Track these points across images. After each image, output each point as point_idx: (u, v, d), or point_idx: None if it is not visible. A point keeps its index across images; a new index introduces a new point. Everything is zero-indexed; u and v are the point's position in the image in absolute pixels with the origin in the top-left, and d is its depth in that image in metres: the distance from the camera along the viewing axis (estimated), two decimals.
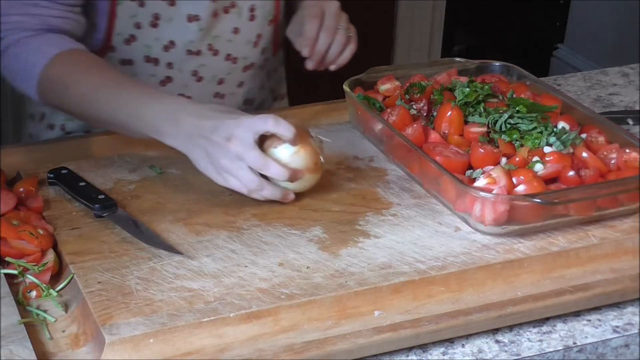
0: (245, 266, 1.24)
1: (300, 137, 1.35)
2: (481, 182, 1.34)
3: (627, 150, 1.44)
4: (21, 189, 1.37)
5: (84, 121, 1.56)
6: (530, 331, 1.23)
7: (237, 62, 1.64)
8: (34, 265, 1.23)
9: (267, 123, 1.30)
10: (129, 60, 1.59)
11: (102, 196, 1.35)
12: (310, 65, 1.58)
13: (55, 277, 1.24)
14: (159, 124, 1.34)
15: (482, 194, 1.30)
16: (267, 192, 1.34)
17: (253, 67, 1.67)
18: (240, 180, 1.32)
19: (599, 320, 1.26)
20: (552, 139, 1.43)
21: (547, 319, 1.25)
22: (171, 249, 1.26)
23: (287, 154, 1.34)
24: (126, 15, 1.54)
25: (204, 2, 1.55)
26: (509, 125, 1.47)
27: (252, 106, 1.74)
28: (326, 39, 1.56)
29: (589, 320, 1.26)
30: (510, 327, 1.23)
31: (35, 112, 1.73)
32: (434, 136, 1.48)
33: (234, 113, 1.34)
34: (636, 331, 1.25)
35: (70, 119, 1.66)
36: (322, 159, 1.38)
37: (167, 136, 1.35)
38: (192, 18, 1.56)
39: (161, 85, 1.61)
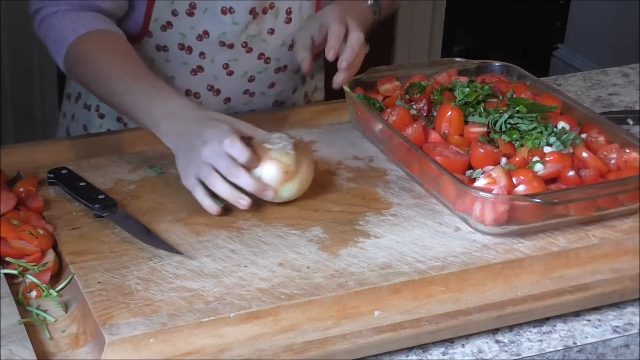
0: (245, 266, 1.24)
1: (261, 153, 1.35)
2: (481, 182, 1.34)
3: (627, 150, 1.44)
4: (21, 189, 1.37)
5: (100, 99, 1.60)
6: (530, 331, 1.23)
7: (269, 63, 1.65)
8: (34, 265, 1.23)
9: (223, 144, 1.30)
10: (164, 46, 1.61)
11: (102, 196, 1.35)
12: (331, 55, 1.55)
13: (55, 277, 1.24)
14: (159, 121, 1.37)
15: (482, 194, 1.30)
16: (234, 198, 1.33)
17: (286, 69, 1.68)
18: (211, 185, 1.31)
19: (599, 320, 1.26)
20: (552, 139, 1.43)
21: (547, 319, 1.25)
22: (171, 249, 1.26)
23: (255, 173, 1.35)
24: (164, 1, 1.57)
25: None
26: (509, 125, 1.47)
27: (282, 108, 1.74)
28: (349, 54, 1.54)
29: (589, 320, 1.26)
30: (510, 327, 1.23)
31: (72, 92, 1.76)
32: (434, 136, 1.48)
33: (222, 123, 1.34)
34: (636, 331, 1.25)
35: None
36: (291, 165, 1.35)
37: (163, 134, 1.38)
38: (227, 10, 1.58)
39: (192, 74, 1.63)
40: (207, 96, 1.65)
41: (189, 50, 1.61)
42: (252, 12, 1.59)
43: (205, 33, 1.59)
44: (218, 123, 1.34)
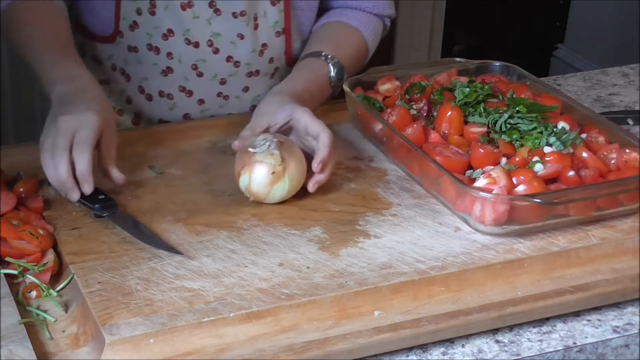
0: (245, 266, 1.24)
1: (246, 158, 1.36)
2: (481, 182, 1.34)
3: (627, 150, 1.44)
4: (21, 189, 1.37)
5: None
6: (530, 331, 1.23)
7: (239, 66, 1.65)
8: (34, 265, 1.23)
9: (76, 138, 1.32)
10: (134, 47, 1.62)
11: (102, 196, 1.35)
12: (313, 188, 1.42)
13: (55, 277, 1.24)
14: (54, 86, 1.40)
15: (482, 194, 1.30)
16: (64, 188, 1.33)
17: (259, 74, 1.68)
18: (56, 165, 1.32)
19: (599, 320, 1.26)
20: (552, 139, 1.43)
21: (547, 319, 1.25)
22: (171, 249, 1.26)
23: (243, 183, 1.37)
24: (129, 0, 1.58)
25: None
26: (509, 125, 1.47)
27: None
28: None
29: (589, 320, 1.26)
30: (510, 327, 1.23)
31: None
32: (434, 136, 1.48)
33: (91, 111, 1.34)
34: (636, 331, 1.25)
35: None
36: (277, 164, 1.35)
37: (52, 99, 1.40)
38: (186, 5, 1.58)
39: (163, 75, 1.64)
40: (180, 97, 1.65)
41: (157, 50, 1.61)
42: (212, 5, 1.59)
43: (170, 31, 1.60)
44: (86, 106, 1.34)
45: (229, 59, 1.63)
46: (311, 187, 1.40)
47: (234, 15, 1.60)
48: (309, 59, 1.61)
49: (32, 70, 1.48)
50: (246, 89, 1.68)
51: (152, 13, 1.58)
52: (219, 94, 1.67)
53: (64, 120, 1.32)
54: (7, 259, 1.24)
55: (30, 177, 1.41)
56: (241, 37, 1.62)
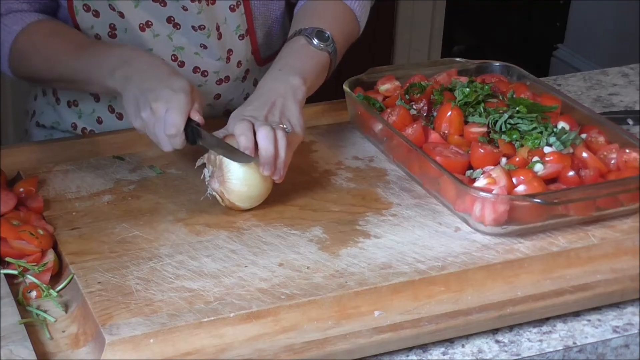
0: (245, 266, 1.24)
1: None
2: (481, 182, 1.34)
3: (627, 150, 1.44)
4: (21, 189, 1.37)
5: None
6: (530, 331, 1.23)
7: (207, 76, 1.63)
8: (34, 266, 1.23)
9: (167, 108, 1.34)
10: None
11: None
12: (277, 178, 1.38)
13: (55, 277, 1.24)
14: (114, 67, 1.41)
15: (482, 194, 1.30)
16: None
17: (228, 80, 1.66)
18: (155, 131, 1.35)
19: (599, 320, 1.26)
20: (552, 139, 1.43)
21: (547, 319, 1.25)
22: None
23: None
24: (86, 26, 1.57)
25: (154, 9, 1.55)
26: (509, 126, 1.47)
27: None
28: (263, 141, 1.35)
29: (589, 320, 1.26)
30: (510, 327, 1.23)
31: (29, 109, 1.77)
32: (434, 136, 1.48)
33: (176, 81, 1.36)
34: (636, 331, 1.25)
35: (57, 119, 1.70)
36: (217, 196, 1.35)
37: (117, 80, 1.41)
38: (144, 26, 1.57)
39: None
40: None
41: None
42: (170, 20, 1.57)
43: None
44: (170, 80, 1.36)
45: (195, 70, 1.62)
46: (276, 179, 1.36)
47: (194, 28, 1.58)
48: (294, 39, 1.55)
49: (70, 79, 1.49)
50: (218, 97, 1.66)
51: (113, 36, 1.57)
52: None
53: (160, 91, 1.34)
54: (7, 259, 1.24)
55: (30, 177, 1.41)
56: (204, 47, 1.60)
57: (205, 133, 1.35)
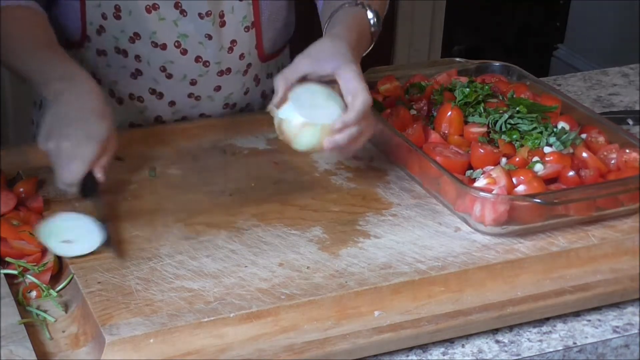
0: (245, 266, 1.24)
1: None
2: (481, 182, 1.34)
3: (627, 150, 1.44)
4: (21, 189, 1.37)
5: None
6: (530, 331, 1.23)
7: (209, 66, 1.63)
8: (34, 266, 1.23)
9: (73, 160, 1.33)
10: (102, 50, 1.61)
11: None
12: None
13: (55, 277, 1.24)
14: (53, 78, 1.39)
15: (482, 194, 1.30)
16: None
17: (230, 72, 1.66)
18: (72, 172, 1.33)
19: (599, 320, 1.26)
20: (552, 139, 1.43)
21: (547, 319, 1.25)
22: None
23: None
24: (93, 4, 1.57)
25: None
26: (509, 126, 1.47)
27: (235, 110, 1.72)
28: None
29: (589, 320, 1.26)
30: (510, 327, 1.23)
31: (36, 100, 1.76)
32: (434, 136, 1.48)
33: (97, 127, 1.35)
34: (636, 331, 1.25)
35: None
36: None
37: (49, 91, 1.39)
38: (150, 8, 1.56)
39: (132, 78, 1.63)
40: (150, 100, 1.64)
41: (125, 53, 1.60)
42: (177, 6, 1.57)
43: (136, 35, 1.58)
44: (83, 125, 1.34)
45: (197, 59, 1.62)
46: (326, 143, 1.32)
47: (200, 15, 1.58)
48: (346, 9, 1.50)
49: (18, 71, 1.48)
50: (218, 88, 1.67)
51: (117, 17, 1.57)
52: (190, 95, 1.65)
53: (75, 130, 1.33)
54: (7, 259, 1.24)
55: (30, 177, 1.41)
56: (209, 37, 1.60)
57: (97, 194, 1.35)
